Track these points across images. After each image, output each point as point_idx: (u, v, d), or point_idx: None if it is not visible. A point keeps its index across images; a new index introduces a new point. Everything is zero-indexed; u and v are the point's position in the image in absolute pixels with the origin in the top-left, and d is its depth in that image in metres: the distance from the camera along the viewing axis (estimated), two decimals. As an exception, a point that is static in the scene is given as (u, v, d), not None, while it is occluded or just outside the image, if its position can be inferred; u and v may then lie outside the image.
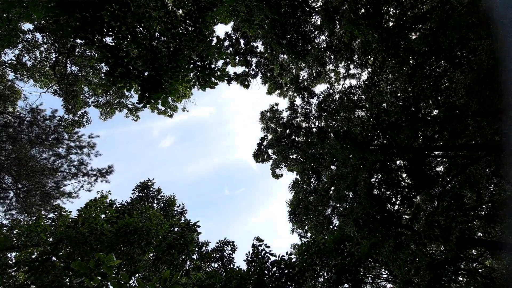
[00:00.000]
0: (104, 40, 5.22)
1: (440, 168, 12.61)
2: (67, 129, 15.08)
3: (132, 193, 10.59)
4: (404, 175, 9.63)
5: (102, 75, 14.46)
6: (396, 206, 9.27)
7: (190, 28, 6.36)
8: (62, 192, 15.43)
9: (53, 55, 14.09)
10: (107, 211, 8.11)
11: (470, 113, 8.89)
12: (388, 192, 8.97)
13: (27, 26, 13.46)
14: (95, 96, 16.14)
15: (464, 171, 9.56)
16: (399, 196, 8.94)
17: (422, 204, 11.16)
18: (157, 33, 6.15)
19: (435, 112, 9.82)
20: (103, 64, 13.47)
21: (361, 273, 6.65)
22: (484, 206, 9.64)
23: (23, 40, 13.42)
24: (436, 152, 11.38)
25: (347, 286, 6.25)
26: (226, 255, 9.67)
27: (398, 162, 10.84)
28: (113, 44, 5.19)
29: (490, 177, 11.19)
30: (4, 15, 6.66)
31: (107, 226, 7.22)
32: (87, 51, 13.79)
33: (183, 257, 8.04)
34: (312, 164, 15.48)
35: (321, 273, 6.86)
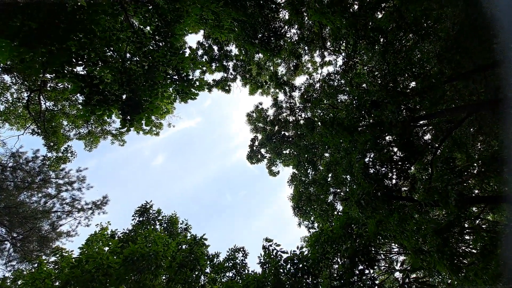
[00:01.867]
0: (75, 70, 5.09)
1: (427, 137, 13.03)
2: (53, 167, 14.57)
3: (132, 219, 10.35)
4: (395, 149, 9.88)
5: (79, 106, 14.07)
6: (394, 181, 9.49)
7: (160, 43, 6.30)
8: (59, 232, 14.87)
9: (25, 94, 13.60)
10: (110, 243, 7.89)
11: (445, 79, 9.23)
12: (384, 169, 9.17)
13: (-9, 69, 12.92)
14: (76, 128, 15.67)
15: (450, 135, 9.90)
16: (394, 170, 9.16)
17: (418, 173, 11.48)
18: (128, 54, 6.05)
19: (412, 84, 10.14)
20: (78, 95, 13.12)
21: (373, 252, 6.76)
22: (475, 165, 10.01)
23: (-10, 85, 12.89)
24: (421, 122, 11.74)
25: (362, 267, 6.34)
26: (238, 262, 9.59)
27: (387, 138, 11.11)
28: (85, 72, 5.06)
29: (475, 136, 11.64)
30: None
31: (112, 258, 7.02)
32: (59, 84, 13.40)
33: (196, 273, 7.92)
34: (306, 156, 15.62)
35: (334, 260, 6.93)
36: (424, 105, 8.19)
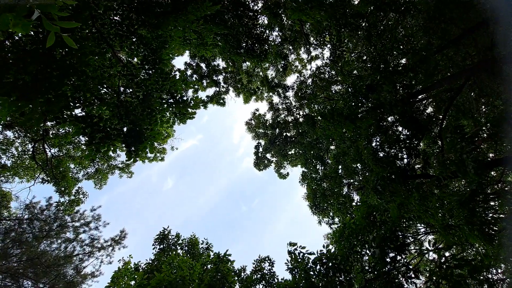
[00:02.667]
0: (74, 113, 5.19)
1: (430, 110, 12.87)
2: (68, 211, 14.68)
3: (153, 248, 10.29)
4: (400, 128, 9.77)
5: (83, 147, 14.29)
6: (405, 160, 9.34)
7: (151, 71, 6.42)
8: (84, 275, 14.83)
9: (29, 146, 13.89)
10: (136, 276, 7.82)
11: (435, 50, 9.19)
12: (393, 150, 9.04)
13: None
14: (83, 169, 15.86)
15: (453, 103, 9.77)
16: (404, 150, 9.02)
17: (428, 148, 11.28)
18: (121, 88, 6.16)
19: (403, 61, 10.11)
20: (81, 136, 13.36)
21: (401, 237, 6.58)
22: (484, 128, 9.82)
23: (-5, 143, 13.21)
24: (420, 97, 11.63)
25: (393, 254, 6.15)
26: (266, 272, 9.40)
27: (389, 119, 11.01)
28: (84, 113, 5.16)
29: (478, 100, 11.47)
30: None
31: (141, 291, 6.93)
32: (61, 130, 13.67)
33: (227, 290, 7.76)
34: (312, 152, 15.51)
35: (363, 252, 6.74)
36: (419, 79, 8.14)
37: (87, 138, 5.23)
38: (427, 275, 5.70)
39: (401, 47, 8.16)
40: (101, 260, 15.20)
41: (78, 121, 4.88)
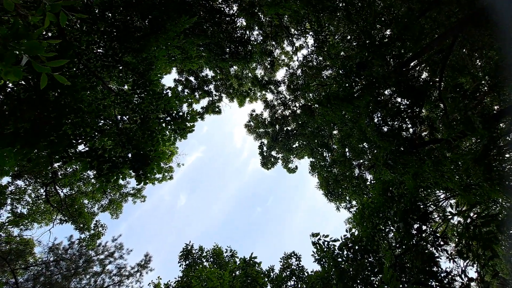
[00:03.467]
0: (78, 150, 5.28)
1: (424, 75, 12.73)
2: (90, 246, 14.87)
3: (179, 265, 10.34)
4: (399, 99, 9.67)
5: (93, 180, 14.48)
6: (411, 130, 9.24)
7: (143, 94, 6.49)
8: (118, 305, 14.97)
9: (42, 190, 14.13)
10: (169, 296, 7.86)
11: (417, 14, 9.10)
12: (396, 123, 8.96)
13: (4, 180, 13.56)
14: (97, 203, 16.07)
15: (446, 64, 9.65)
16: (407, 120, 8.93)
17: (431, 113, 11.15)
18: (118, 116, 6.25)
19: (388, 32, 10.04)
20: (89, 172, 13.57)
21: (421, 206, 6.50)
22: (483, 82, 9.67)
23: (8, 195, 13.48)
24: (412, 64, 11.51)
25: (418, 225, 6.08)
26: (295, 267, 9.37)
27: (386, 92, 10.91)
28: (87, 148, 5.24)
29: (471, 55, 11.31)
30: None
31: (176, 310, 6.97)
32: (68, 169, 13.88)
33: (260, 293, 7.75)
34: (316, 141, 15.45)
35: (387, 229, 6.67)
36: (407, 47, 8.06)
37: (95, 172, 5.31)
38: (456, 240, 5.62)
39: (383, 18, 8.11)
40: (131, 287, 15.34)
41: (83, 156, 4.96)
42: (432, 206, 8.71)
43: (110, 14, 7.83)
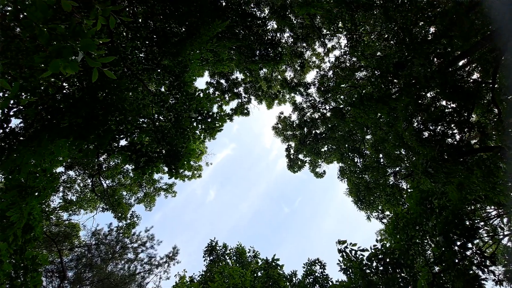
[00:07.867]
0: (120, 144, 5.84)
1: (475, 76, 11.40)
2: (126, 234, 16.19)
3: (204, 260, 10.70)
4: (444, 102, 8.81)
5: (131, 174, 15.79)
6: (457, 136, 8.34)
7: (177, 95, 6.92)
8: (148, 292, 15.99)
9: (89, 181, 15.84)
10: (192, 287, 8.18)
11: (466, 9, 8.22)
12: (439, 127, 8.17)
13: (58, 170, 15.51)
14: (134, 195, 17.47)
15: (500, 63, 8.53)
16: (452, 125, 8.08)
17: (482, 118, 9.92)
18: (155, 115, 6.75)
19: (432, 29, 9.23)
20: (127, 166, 14.85)
21: (467, 220, 5.80)
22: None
23: (61, 183, 15.38)
24: (461, 63, 10.41)
25: (461, 241, 5.42)
26: (318, 275, 9.03)
27: (428, 94, 10.02)
28: (128, 143, 5.77)
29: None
30: (38, 168, 7.83)
31: (199, 303, 7.22)
32: (111, 163, 15.35)
33: (281, 297, 7.64)
34: (346, 145, 14.79)
35: (425, 243, 6.08)
36: (455, 44, 7.32)
37: (133, 165, 5.81)
38: (505, 262, 4.90)
39: (425, 14, 7.49)
40: (159, 276, 16.29)
41: (124, 150, 5.47)
42: (480, 222, 7.71)
43: (151, 22, 8.53)
